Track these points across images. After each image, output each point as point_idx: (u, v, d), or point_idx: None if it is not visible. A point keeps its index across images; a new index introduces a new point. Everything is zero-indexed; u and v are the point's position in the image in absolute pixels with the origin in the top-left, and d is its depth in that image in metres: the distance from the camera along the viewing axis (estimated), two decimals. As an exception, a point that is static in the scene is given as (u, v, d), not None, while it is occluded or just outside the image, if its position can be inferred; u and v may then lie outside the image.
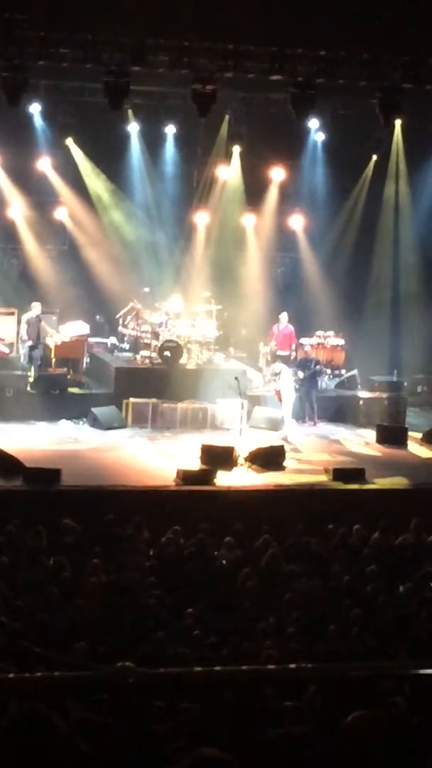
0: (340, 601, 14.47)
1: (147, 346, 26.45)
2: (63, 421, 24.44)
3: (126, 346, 27.45)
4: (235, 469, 21.44)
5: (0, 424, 23.57)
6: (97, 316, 28.66)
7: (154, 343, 26.21)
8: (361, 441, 24.97)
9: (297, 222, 29.98)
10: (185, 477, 20.43)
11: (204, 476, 20.59)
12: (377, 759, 4.74)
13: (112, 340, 27.93)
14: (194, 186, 29.81)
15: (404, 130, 28.21)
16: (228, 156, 29.11)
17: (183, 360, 26.06)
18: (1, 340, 26.42)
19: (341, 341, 28.22)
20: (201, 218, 29.47)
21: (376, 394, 27.02)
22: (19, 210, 28.31)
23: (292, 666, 9.91)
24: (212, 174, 29.46)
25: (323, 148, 29.28)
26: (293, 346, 27.46)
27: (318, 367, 26.03)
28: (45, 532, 16.63)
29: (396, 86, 23.66)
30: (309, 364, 25.84)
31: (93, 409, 24.37)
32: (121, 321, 27.42)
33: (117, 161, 28.85)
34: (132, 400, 24.70)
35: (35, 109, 26.95)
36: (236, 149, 28.94)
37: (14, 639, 11.52)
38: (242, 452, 21.82)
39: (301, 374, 25.45)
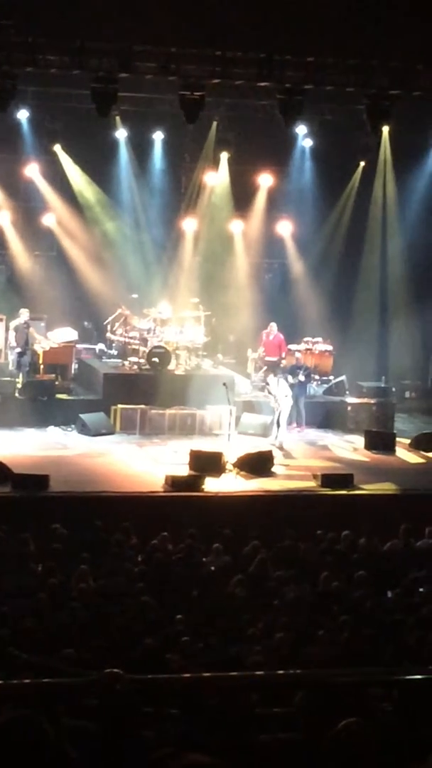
0: (329, 607, 14.47)
1: (135, 352, 26.45)
2: (51, 428, 24.42)
3: (114, 352, 27.44)
4: (223, 474, 21.45)
5: (-12, 431, 23.59)
6: (85, 323, 28.65)
7: (142, 349, 26.20)
8: (350, 447, 24.98)
9: (285, 228, 30.02)
10: (174, 483, 20.42)
11: (192, 482, 20.59)
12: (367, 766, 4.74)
13: (100, 346, 27.92)
14: (182, 192, 29.85)
15: (392, 137, 28.24)
16: (216, 162, 29.14)
17: (171, 366, 26.05)
18: (-11, 346, 26.44)
19: (329, 347, 28.24)
20: (189, 224, 29.50)
21: (364, 400, 27.05)
22: (6, 216, 28.34)
23: (281, 672, 9.91)
24: (200, 180, 29.49)
25: (311, 154, 29.34)
26: (283, 354, 27.48)
27: (307, 372, 26.03)
28: (33, 538, 16.61)
29: (383, 93, 23.73)
30: (298, 370, 25.85)
31: (81, 416, 24.35)
32: (109, 327, 27.41)
33: (105, 167, 28.86)
34: (120, 406, 24.68)
35: (23, 115, 26.93)
36: (224, 155, 28.96)
37: (1, 645, 11.49)
38: (231, 458, 21.84)
39: (291, 379, 25.47)
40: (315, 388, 27.47)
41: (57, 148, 28.01)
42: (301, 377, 25.69)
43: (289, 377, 25.53)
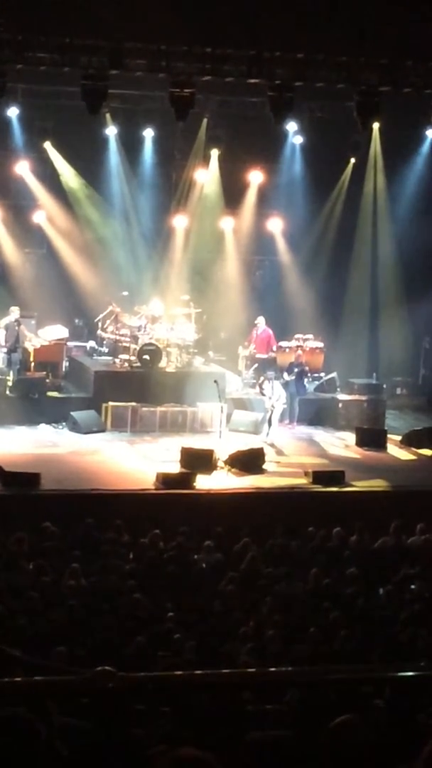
0: (320, 604, 14.49)
1: (126, 349, 26.41)
2: (42, 425, 24.37)
3: (105, 349, 27.39)
4: (214, 472, 21.44)
5: (-21, 429, 23.57)
6: (76, 320, 28.60)
7: (133, 346, 26.17)
8: (341, 444, 24.99)
9: (275, 225, 29.99)
10: (165, 480, 20.42)
11: (184, 479, 20.59)
12: (363, 763, 4.74)
13: (91, 343, 27.86)
14: (173, 189, 29.80)
15: (382, 133, 28.28)
16: (206, 159, 29.10)
17: (162, 363, 26.02)
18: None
19: (320, 344, 28.23)
20: (179, 221, 29.45)
21: (356, 397, 27.06)
22: (-4, 214, 28.31)
23: (273, 669, 9.93)
24: (190, 177, 29.44)
25: (301, 150, 29.29)
26: (274, 348, 27.50)
27: (300, 369, 25.97)
28: (25, 536, 16.60)
29: (373, 89, 23.69)
30: (295, 368, 25.82)
31: (72, 413, 24.32)
32: (100, 325, 27.36)
33: (95, 165, 28.79)
34: (111, 403, 24.64)
35: (13, 112, 26.86)
36: (214, 152, 28.92)
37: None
38: (222, 455, 21.83)
39: (287, 376, 25.49)
40: (306, 385, 27.48)
41: (47, 145, 27.95)
42: (292, 376, 25.65)
43: (285, 375, 25.55)
